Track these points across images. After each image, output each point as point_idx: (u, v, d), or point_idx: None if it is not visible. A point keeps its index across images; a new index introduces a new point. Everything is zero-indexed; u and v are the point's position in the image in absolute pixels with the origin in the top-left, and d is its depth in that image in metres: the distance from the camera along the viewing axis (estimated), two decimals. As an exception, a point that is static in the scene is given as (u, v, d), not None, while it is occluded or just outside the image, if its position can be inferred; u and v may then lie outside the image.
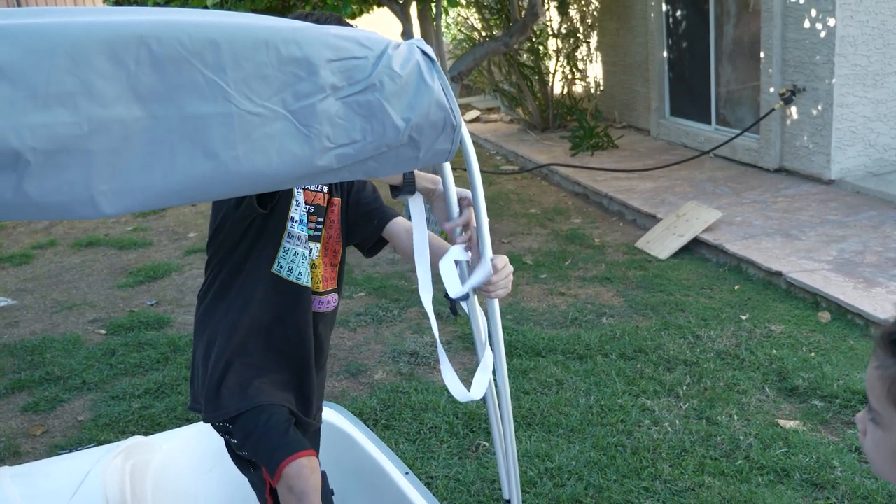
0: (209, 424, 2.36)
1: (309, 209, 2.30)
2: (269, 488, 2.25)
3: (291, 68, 1.42)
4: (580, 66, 11.60)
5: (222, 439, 2.41)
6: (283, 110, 1.42)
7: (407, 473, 2.74)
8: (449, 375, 1.95)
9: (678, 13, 9.26)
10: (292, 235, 2.25)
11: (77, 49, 1.24)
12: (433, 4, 7.21)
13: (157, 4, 7.81)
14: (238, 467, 2.42)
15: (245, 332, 2.27)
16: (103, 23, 1.27)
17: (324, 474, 2.28)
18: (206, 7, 6.58)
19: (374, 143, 1.53)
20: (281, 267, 2.26)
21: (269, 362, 2.30)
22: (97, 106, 1.28)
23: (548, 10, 11.44)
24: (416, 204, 2.03)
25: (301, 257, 2.27)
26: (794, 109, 7.47)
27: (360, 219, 2.42)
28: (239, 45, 1.37)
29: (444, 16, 10.23)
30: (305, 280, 2.29)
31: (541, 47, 11.50)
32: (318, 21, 2.01)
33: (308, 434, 2.38)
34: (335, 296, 2.43)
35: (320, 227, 2.33)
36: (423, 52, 1.59)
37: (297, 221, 2.26)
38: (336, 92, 1.47)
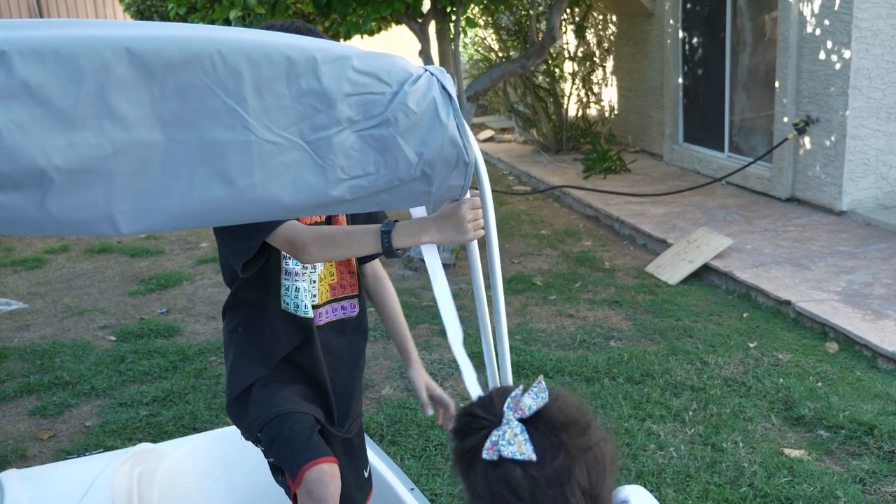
0: (217, 433, 2.39)
1: None
2: (294, 494, 2.27)
3: (310, 100, 1.46)
4: (595, 89, 11.64)
5: (230, 449, 2.44)
6: (300, 141, 1.46)
7: (412, 489, 2.76)
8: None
9: (694, 41, 9.30)
10: (289, 273, 2.28)
11: (106, 74, 1.29)
12: (451, 24, 7.27)
13: (178, 15, 7.91)
14: (273, 476, 2.43)
15: (267, 360, 2.32)
16: (133, 49, 1.31)
17: None
18: (228, 19, 6.65)
19: (387, 177, 1.57)
20: (287, 304, 2.30)
21: (294, 379, 2.35)
22: (121, 128, 1.31)
23: (565, 33, 11.50)
24: (431, 253, 1.97)
25: (302, 291, 2.29)
26: (807, 140, 7.49)
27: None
28: (261, 76, 1.41)
29: (461, 36, 10.29)
30: (311, 313, 2.33)
31: (557, 70, 11.55)
32: (283, 29, 2.04)
33: (334, 444, 2.39)
34: (355, 301, 2.43)
35: None
36: (442, 87, 1.62)
37: (290, 258, 2.26)
38: (352, 125, 1.51)
